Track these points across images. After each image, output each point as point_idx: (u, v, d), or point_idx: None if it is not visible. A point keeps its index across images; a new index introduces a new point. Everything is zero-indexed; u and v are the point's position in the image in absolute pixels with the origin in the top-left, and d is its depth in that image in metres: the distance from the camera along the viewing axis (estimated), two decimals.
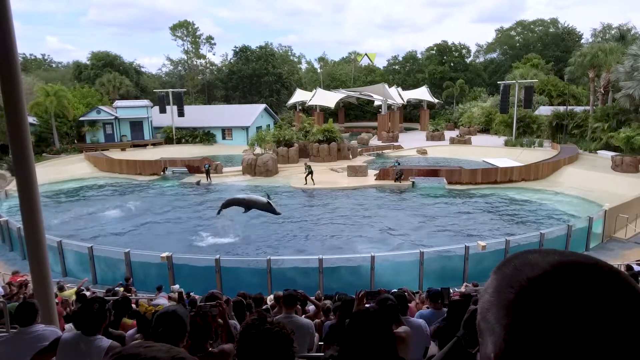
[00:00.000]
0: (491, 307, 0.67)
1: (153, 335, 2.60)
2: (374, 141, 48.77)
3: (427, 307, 6.68)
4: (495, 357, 0.66)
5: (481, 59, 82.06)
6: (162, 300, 8.52)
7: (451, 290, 9.29)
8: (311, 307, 7.87)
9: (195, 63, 77.78)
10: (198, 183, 31.04)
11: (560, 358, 0.57)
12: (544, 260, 0.66)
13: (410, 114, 67.10)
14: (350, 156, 37.66)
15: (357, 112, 70.97)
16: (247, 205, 18.80)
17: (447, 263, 14.91)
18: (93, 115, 45.02)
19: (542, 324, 0.59)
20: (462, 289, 10.92)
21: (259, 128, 47.10)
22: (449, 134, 48.73)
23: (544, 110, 45.93)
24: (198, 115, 50.26)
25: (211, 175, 31.84)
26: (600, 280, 0.61)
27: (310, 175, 28.54)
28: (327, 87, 68.29)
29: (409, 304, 7.54)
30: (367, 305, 3.94)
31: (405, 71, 79.86)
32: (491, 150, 38.85)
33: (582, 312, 0.58)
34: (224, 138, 49.59)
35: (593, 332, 0.57)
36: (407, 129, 59.49)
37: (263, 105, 53.83)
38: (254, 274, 14.43)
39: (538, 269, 0.64)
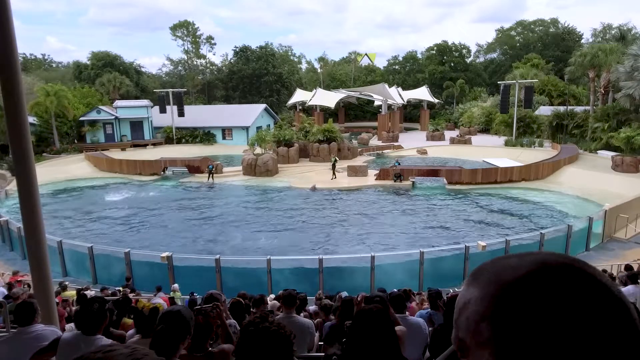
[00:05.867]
0: (483, 318, 0.62)
1: (155, 334, 2.62)
2: (374, 141, 48.76)
3: (427, 307, 6.70)
4: None
5: (481, 59, 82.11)
6: (159, 300, 8.52)
7: (450, 291, 9.29)
8: (311, 307, 7.88)
9: (195, 63, 77.83)
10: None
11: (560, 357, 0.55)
12: (524, 261, 0.63)
13: (411, 114, 67.12)
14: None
15: (357, 112, 70.98)
16: None
17: (447, 263, 14.90)
18: (93, 115, 45.04)
19: (530, 323, 0.57)
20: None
21: (259, 128, 47.06)
22: (449, 134, 48.75)
23: (544, 110, 45.93)
24: (198, 115, 50.25)
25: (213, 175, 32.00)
26: (581, 278, 0.60)
27: (334, 168, 30.34)
28: (327, 87, 68.30)
29: (411, 304, 7.54)
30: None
31: (405, 71, 79.88)
32: (491, 150, 38.81)
33: (564, 310, 0.56)
34: (224, 138, 49.57)
35: (581, 332, 0.55)
36: (407, 129, 59.52)
37: (263, 105, 53.80)
38: (254, 274, 14.42)
39: (521, 270, 0.62)
